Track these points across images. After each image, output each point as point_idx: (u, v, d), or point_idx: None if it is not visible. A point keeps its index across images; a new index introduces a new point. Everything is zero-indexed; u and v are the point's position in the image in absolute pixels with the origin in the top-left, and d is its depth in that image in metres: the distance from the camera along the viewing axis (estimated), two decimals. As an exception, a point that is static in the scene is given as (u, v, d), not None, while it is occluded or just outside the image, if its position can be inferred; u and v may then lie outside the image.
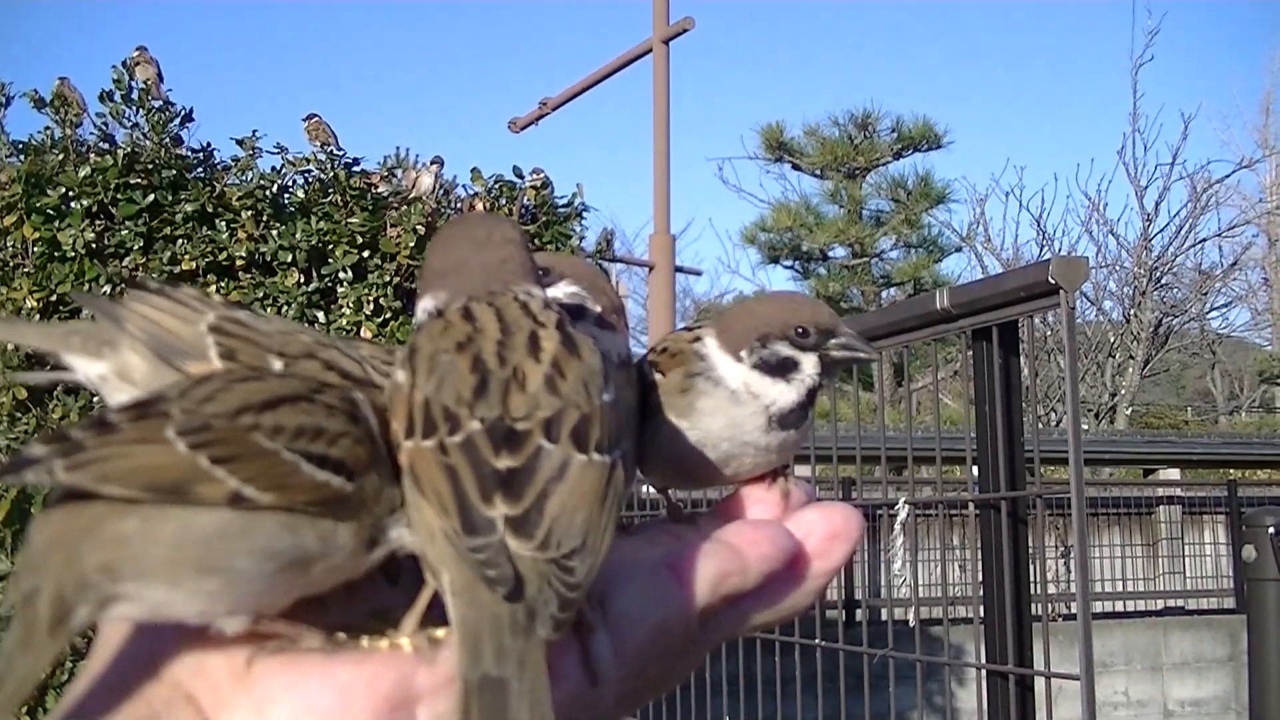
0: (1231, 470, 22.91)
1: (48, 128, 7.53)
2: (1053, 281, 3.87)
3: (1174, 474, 21.60)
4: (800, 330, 1.21)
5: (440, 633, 0.92)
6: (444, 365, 0.96)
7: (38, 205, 7.18)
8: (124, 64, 7.71)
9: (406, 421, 0.95)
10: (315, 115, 8.43)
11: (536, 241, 8.36)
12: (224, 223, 7.50)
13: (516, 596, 0.86)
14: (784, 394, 1.21)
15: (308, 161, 7.93)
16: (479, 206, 8.32)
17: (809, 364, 1.21)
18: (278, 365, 1.01)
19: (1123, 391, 34.57)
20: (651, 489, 1.36)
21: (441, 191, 8.28)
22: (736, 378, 1.20)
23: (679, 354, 1.24)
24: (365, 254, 7.67)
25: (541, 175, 8.68)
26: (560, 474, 0.90)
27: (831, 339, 1.23)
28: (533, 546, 0.87)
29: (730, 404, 1.20)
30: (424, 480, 0.91)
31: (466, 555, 0.87)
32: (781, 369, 1.21)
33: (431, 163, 8.37)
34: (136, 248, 7.27)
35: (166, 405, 0.90)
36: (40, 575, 0.86)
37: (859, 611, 12.71)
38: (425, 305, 1.06)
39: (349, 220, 7.70)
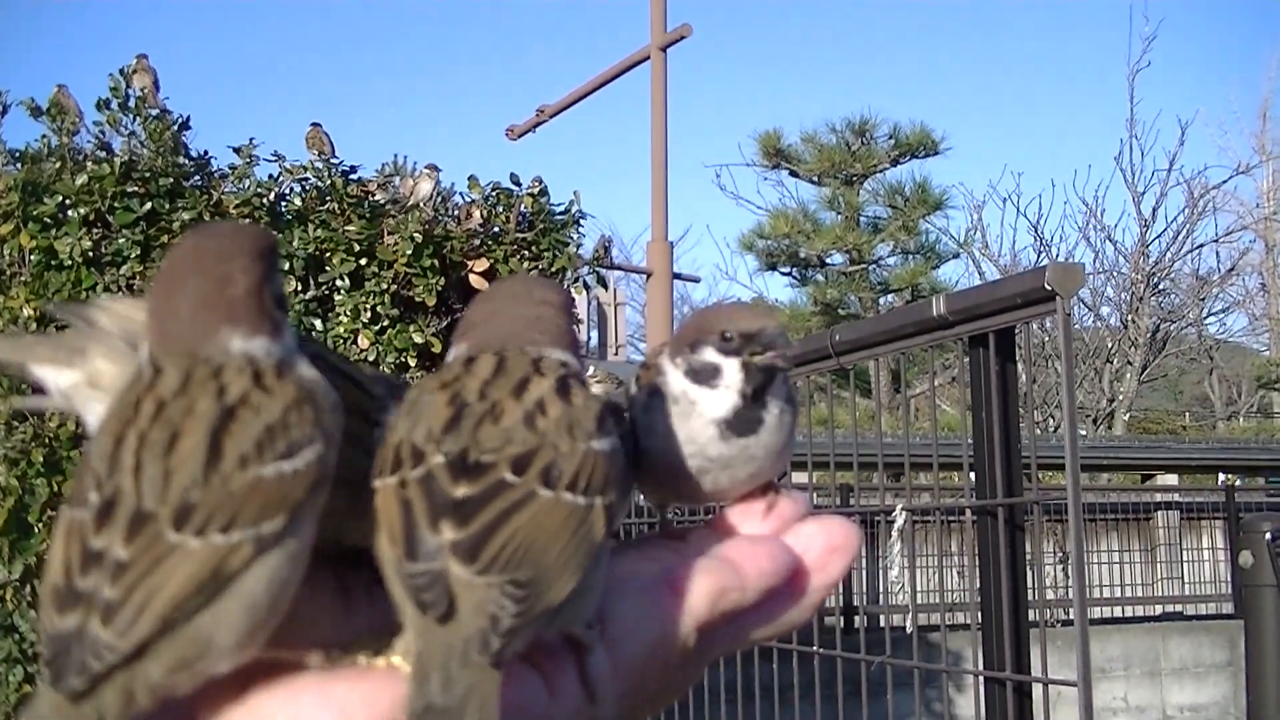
0: (1229, 475, 22.92)
1: (44, 136, 7.52)
2: (1049, 288, 3.87)
3: (1172, 479, 21.61)
4: (725, 335, 1.19)
5: (410, 661, 0.92)
6: (422, 405, 0.96)
7: (35, 214, 7.17)
8: (121, 72, 7.70)
9: (379, 465, 0.95)
10: (317, 124, 8.43)
11: (533, 249, 8.36)
12: (221, 231, 7.50)
13: (447, 621, 0.86)
14: (719, 401, 1.18)
15: (305, 169, 7.93)
16: (476, 214, 8.31)
17: (730, 369, 1.19)
18: None
19: (1120, 397, 34.60)
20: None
21: (439, 199, 8.28)
22: (678, 385, 1.19)
23: (649, 367, 1.24)
24: (362, 261, 7.67)
25: (540, 184, 8.69)
26: (519, 506, 0.89)
27: (755, 345, 1.19)
28: (475, 570, 0.86)
29: (679, 416, 1.19)
30: (381, 515, 0.92)
31: (405, 581, 0.87)
32: (707, 375, 1.19)
33: (426, 169, 8.37)
34: (134, 256, 7.27)
35: (147, 505, 0.86)
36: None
37: (857, 618, 12.72)
38: (448, 356, 1.06)
39: (346, 228, 7.69)
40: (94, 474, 0.87)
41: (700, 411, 1.17)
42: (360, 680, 0.90)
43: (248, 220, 7.52)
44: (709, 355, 1.19)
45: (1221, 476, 22.65)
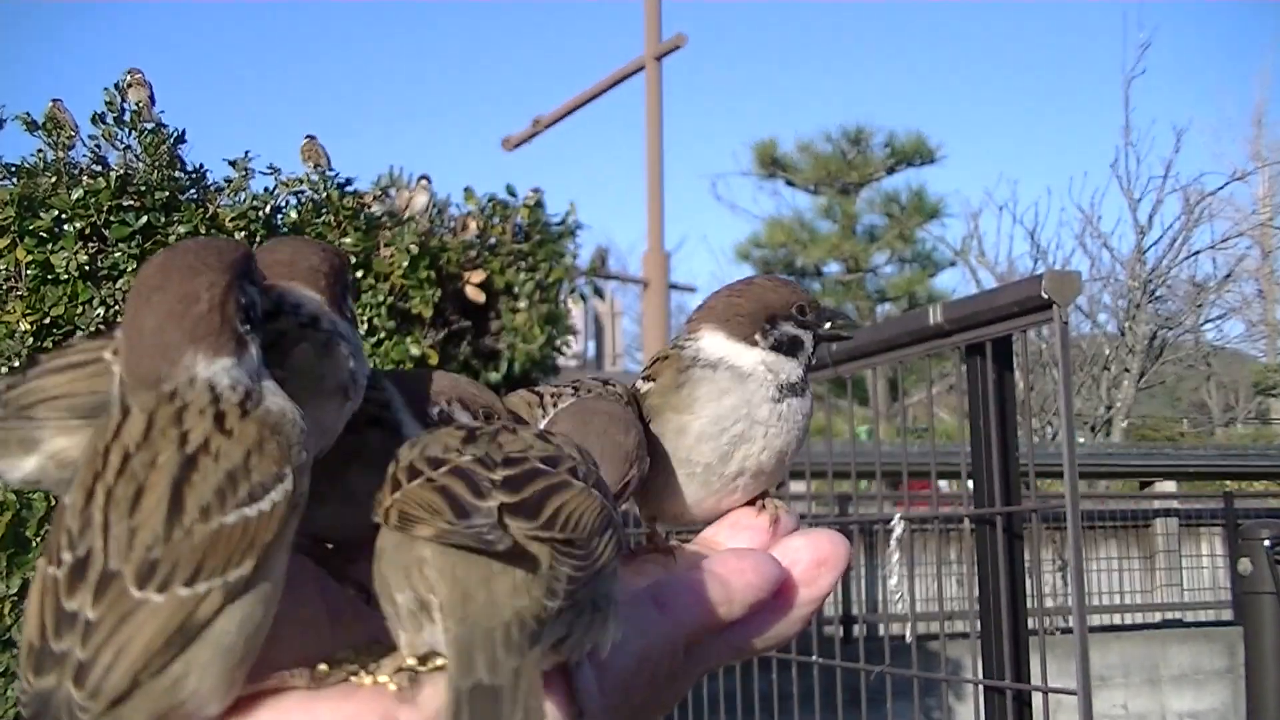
0: (1228, 482, 22.89)
1: (40, 150, 7.51)
2: (1045, 296, 3.87)
3: (1170, 486, 21.59)
4: (800, 308, 1.26)
5: (423, 670, 0.91)
6: (426, 438, 0.97)
7: (30, 228, 7.16)
8: (116, 86, 7.70)
9: (391, 484, 0.95)
10: (312, 136, 8.43)
11: (530, 260, 8.36)
12: (217, 244, 7.50)
13: (519, 561, 0.87)
14: (792, 369, 1.29)
15: (300, 182, 7.93)
16: (472, 226, 8.32)
17: (808, 341, 1.28)
18: None
19: (1118, 404, 34.58)
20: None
21: (435, 211, 8.28)
22: (752, 359, 1.26)
23: (667, 358, 1.27)
24: (359, 274, 7.67)
25: (536, 195, 8.69)
26: (560, 487, 0.91)
27: (824, 317, 1.33)
28: (536, 525, 0.88)
29: (737, 385, 1.25)
30: (411, 507, 0.91)
31: (461, 533, 0.87)
32: (791, 347, 1.26)
33: (420, 181, 8.37)
34: (130, 270, 7.26)
35: (113, 565, 0.87)
36: None
37: (856, 628, 12.72)
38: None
39: (342, 240, 7.69)
40: (67, 531, 0.88)
41: (768, 378, 1.25)
42: (345, 700, 0.90)
43: (243, 233, 7.53)
44: (789, 328, 1.31)
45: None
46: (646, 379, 1.31)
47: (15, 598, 6.80)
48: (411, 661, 0.92)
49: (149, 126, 7.69)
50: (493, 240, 8.40)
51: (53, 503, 6.85)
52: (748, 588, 1.05)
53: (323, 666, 0.94)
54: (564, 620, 0.89)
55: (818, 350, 1.32)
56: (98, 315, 7.18)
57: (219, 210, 7.64)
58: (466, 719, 0.82)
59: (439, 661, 0.91)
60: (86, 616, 0.84)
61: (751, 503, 1.28)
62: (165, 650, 0.84)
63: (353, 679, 0.93)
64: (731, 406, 1.25)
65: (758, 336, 1.29)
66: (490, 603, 0.87)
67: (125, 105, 7.70)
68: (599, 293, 10.03)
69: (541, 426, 1.20)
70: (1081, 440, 30.02)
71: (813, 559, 1.13)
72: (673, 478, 1.27)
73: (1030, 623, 4.37)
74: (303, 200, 7.93)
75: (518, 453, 0.94)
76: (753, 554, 1.11)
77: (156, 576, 0.85)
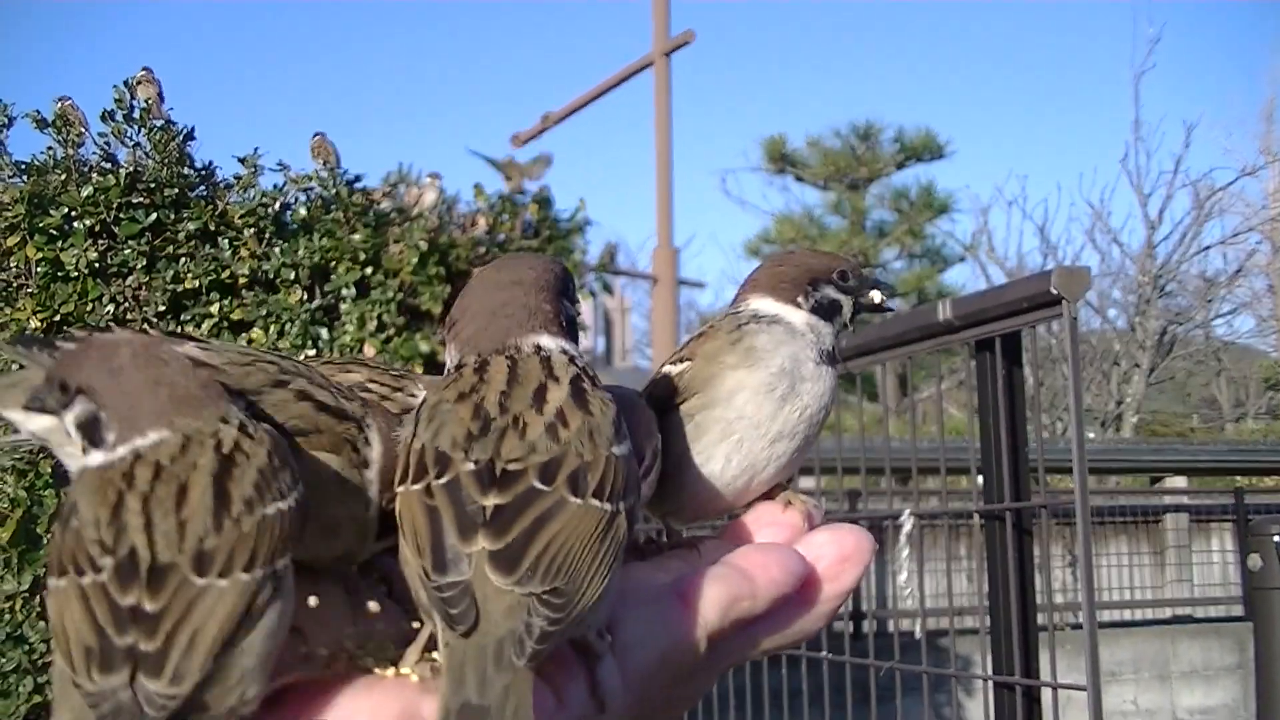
0: (1238, 478, 22.87)
1: (50, 148, 7.53)
2: (1055, 292, 3.87)
3: (1180, 482, 21.55)
4: (841, 274, 1.30)
5: (442, 662, 0.91)
6: (443, 413, 0.96)
7: (40, 225, 7.18)
8: (126, 84, 7.71)
9: (402, 470, 0.96)
10: (322, 133, 8.43)
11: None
12: (226, 241, 7.50)
13: (470, 634, 0.87)
14: (828, 334, 1.33)
15: (310, 179, 7.93)
16: (481, 223, 8.32)
17: (847, 306, 1.31)
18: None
19: (1128, 399, 34.53)
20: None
21: (444, 207, 8.28)
22: (800, 319, 1.28)
23: (710, 329, 1.30)
24: (368, 271, 7.67)
25: (544, 191, 8.69)
26: (552, 514, 0.90)
27: (866, 285, 1.36)
28: (512, 580, 0.87)
29: (790, 339, 1.28)
30: (405, 522, 0.93)
31: (431, 594, 0.88)
32: (830, 310, 1.34)
33: (429, 177, 8.37)
34: (139, 267, 7.27)
35: (163, 558, 0.88)
36: None
37: (865, 624, 12.70)
38: (446, 358, 1.06)
39: (351, 237, 7.69)
40: (96, 542, 0.89)
41: (811, 339, 1.26)
42: (368, 692, 0.90)
43: (252, 230, 7.53)
44: (830, 292, 1.34)
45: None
46: (679, 360, 1.31)
47: (26, 594, 6.82)
48: (434, 653, 0.93)
49: (158, 124, 7.70)
50: (502, 237, 8.40)
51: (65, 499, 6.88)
52: (772, 583, 1.05)
53: (344, 658, 0.94)
54: (559, 639, 0.89)
55: (856, 319, 1.34)
56: (108, 312, 7.19)
57: (228, 207, 7.65)
58: None
59: None
60: (146, 609, 0.85)
61: (770, 496, 1.27)
62: (237, 633, 0.85)
63: (376, 670, 0.94)
64: (790, 355, 1.27)
65: (800, 299, 1.32)
66: (484, 620, 0.87)
67: (135, 103, 7.71)
68: (609, 289, 10.03)
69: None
70: (1091, 435, 30.02)
71: (837, 554, 1.12)
72: (704, 457, 1.26)
73: (1040, 618, 4.37)
74: (312, 197, 7.95)
75: (517, 460, 0.93)
76: (777, 549, 1.10)
77: (216, 563, 0.87)
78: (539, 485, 0.91)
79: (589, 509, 0.91)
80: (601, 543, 0.91)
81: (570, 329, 1.07)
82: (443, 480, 0.92)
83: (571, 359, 1.03)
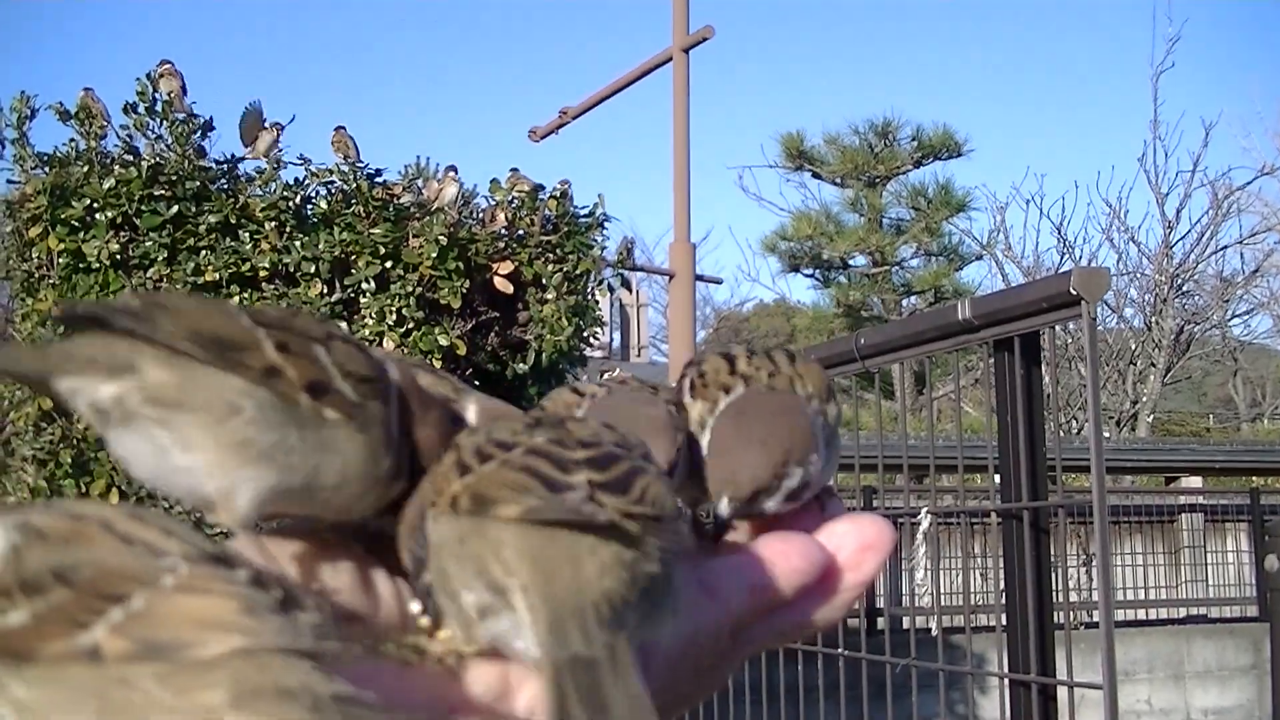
0: (1254, 478, 22.81)
1: (72, 140, 7.56)
2: (1074, 292, 3.87)
3: (1196, 482, 21.52)
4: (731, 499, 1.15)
5: (469, 650, 0.91)
6: (487, 426, 0.96)
7: (63, 217, 7.22)
8: (148, 76, 7.75)
9: (458, 469, 0.91)
10: (342, 127, 8.46)
11: (558, 251, 8.38)
12: (247, 234, 7.54)
13: (615, 536, 0.85)
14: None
15: (330, 173, 7.97)
16: (500, 217, 8.34)
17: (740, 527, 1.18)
18: (322, 352, 0.97)
19: (1144, 399, 34.48)
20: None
21: (462, 202, 8.31)
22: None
23: (711, 385, 1.24)
24: (388, 264, 7.70)
25: (565, 186, 8.71)
26: (641, 470, 0.89)
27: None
28: (628, 500, 0.85)
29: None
30: (490, 488, 0.88)
31: (562, 509, 0.85)
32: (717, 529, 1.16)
33: (447, 171, 8.39)
34: (160, 259, 7.31)
35: None
36: None
37: (881, 620, 12.70)
38: None
39: (371, 231, 7.72)
40: None
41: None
42: (398, 680, 0.91)
43: (273, 223, 7.56)
44: (720, 510, 1.18)
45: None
46: (691, 387, 1.29)
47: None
48: (464, 646, 0.92)
49: (180, 117, 7.73)
50: (521, 232, 8.42)
51: (84, 489, 6.92)
52: (794, 572, 1.05)
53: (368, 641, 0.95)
54: (644, 604, 0.86)
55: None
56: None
57: (249, 200, 7.69)
58: (570, 687, 0.80)
59: (491, 647, 0.90)
60: None
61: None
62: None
63: (399, 653, 0.94)
64: None
65: None
66: (577, 582, 0.85)
67: (157, 95, 7.75)
68: (626, 284, 10.03)
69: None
70: (1107, 435, 29.94)
71: (858, 544, 1.12)
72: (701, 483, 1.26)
73: (1056, 617, 4.38)
74: (332, 191, 7.98)
75: (590, 436, 0.93)
76: (798, 537, 1.10)
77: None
78: (619, 451, 0.91)
79: (665, 478, 0.91)
80: (678, 509, 0.91)
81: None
82: (514, 453, 0.90)
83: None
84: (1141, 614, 17.36)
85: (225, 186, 7.76)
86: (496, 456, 0.90)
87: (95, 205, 7.27)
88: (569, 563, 0.85)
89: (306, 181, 7.94)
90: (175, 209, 7.38)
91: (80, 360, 0.94)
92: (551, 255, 8.36)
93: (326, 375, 0.96)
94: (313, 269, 7.55)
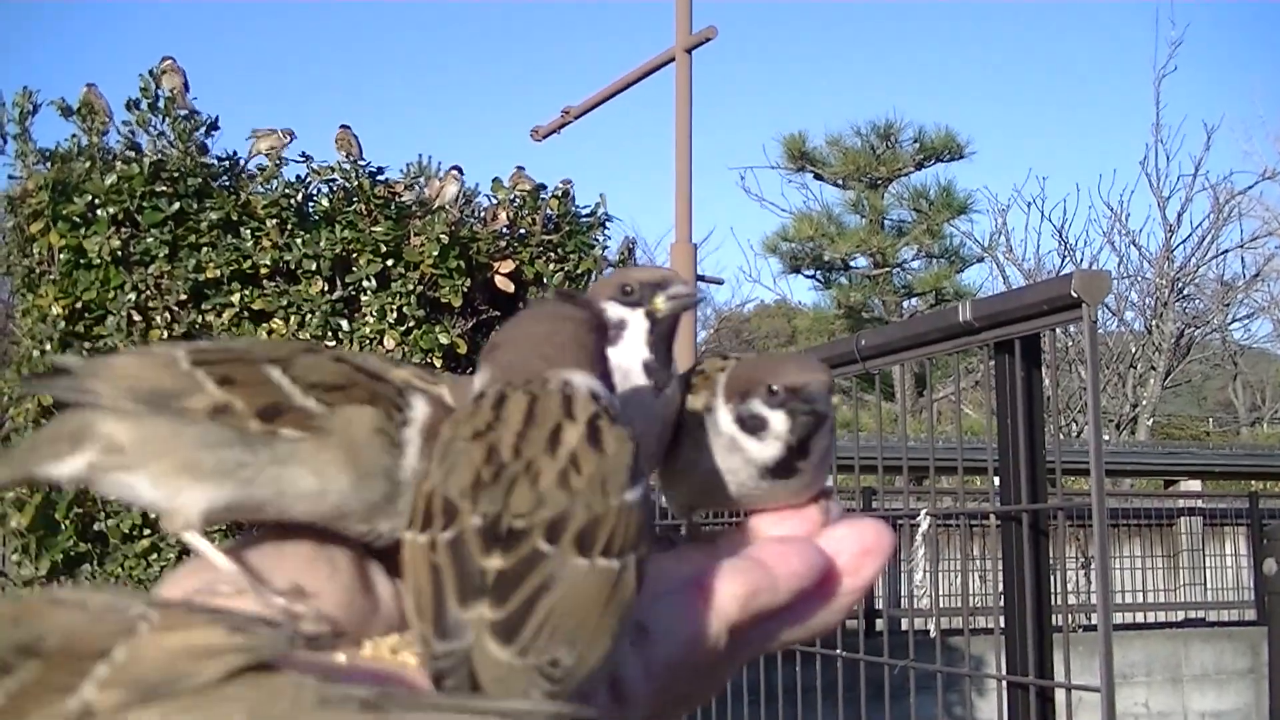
0: (1253, 482, 22.81)
1: (74, 135, 7.57)
2: (1075, 295, 3.87)
3: (1195, 485, 21.51)
4: (771, 390, 1.21)
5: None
6: (455, 454, 0.95)
7: (64, 213, 7.23)
8: (150, 73, 7.75)
9: (410, 514, 0.95)
10: (346, 126, 8.47)
11: (559, 251, 8.38)
12: (249, 231, 7.55)
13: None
14: (764, 449, 1.21)
15: (332, 170, 7.98)
16: (501, 216, 8.35)
17: (777, 421, 1.21)
18: (277, 373, 1.00)
19: (1144, 402, 34.46)
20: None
21: (464, 201, 8.32)
22: (726, 427, 1.22)
23: (709, 379, 1.25)
24: (389, 262, 7.71)
25: (566, 185, 8.72)
26: (555, 579, 0.89)
27: (799, 399, 1.22)
28: (513, 652, 0.86)
29: (724, 450, 1.22)
30: (409, 575, 0.92)
31: (429, 660, 0.88)
32: (754, 425, 1.21)
33: (451, 170, 8.40)
34: (162, 255, 7.32)
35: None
36: None
37: (879, 621, 12.70)
38: (475, 383, 1.05)
39: (373, 229, 7.73)
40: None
41: (746, 454, 1.20)
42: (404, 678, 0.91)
43: (275, 220, 7.57)
44: (756, 407, 1.21)
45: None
46: (690, 387, 1.30)
47: (44, 579, 6.87)
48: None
49: (182, 113, 7.74)
50: (522, 231, 8.43)
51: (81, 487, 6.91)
52: (792, 575, 1.05)
53: (350, 640, 0.95)
54: None
55: (796, 431, 1.25)
56: (129, 300, 7.24)
57: (251, 197, 7.70)
58: None
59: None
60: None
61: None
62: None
63: (373, 651, 0.95)
64: (721, 468, 1.25)
65: (731, 404, 1.27)
66: (481, 689, 0.87)
67: (159, 92, 7.76)
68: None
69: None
70: (1106, 438, 29.92)
71: (857, 548, 1.12)
72: (704, 492, 1.26)
73: (1054, 619, 4.38)
74: (334, 188, 7.99)
75: (524, 516, 0.91)
76: (797, 541, 1.10)
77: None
78: (544, 547, 0.90)
79: (595, 570, 0.90)
80: (609, 604, 0.90)
81: (607, 377, 1.06)
82: (448, 535, 0.91)
83: (595, 397, 1.01)
84: (1140, 617, 17.37)
85: (227, 183, 7.77)
86: (431, 527, 0.92)
87: (97, 201, 7.28)
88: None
89: (308, 179, 7.95)
90: (177, 205, 7.39)
91: (43, 448, 1.03)
92: (553, 255, 8.37)
93: (281, 395, 1.00)
94: (314, 266, 7.56)
